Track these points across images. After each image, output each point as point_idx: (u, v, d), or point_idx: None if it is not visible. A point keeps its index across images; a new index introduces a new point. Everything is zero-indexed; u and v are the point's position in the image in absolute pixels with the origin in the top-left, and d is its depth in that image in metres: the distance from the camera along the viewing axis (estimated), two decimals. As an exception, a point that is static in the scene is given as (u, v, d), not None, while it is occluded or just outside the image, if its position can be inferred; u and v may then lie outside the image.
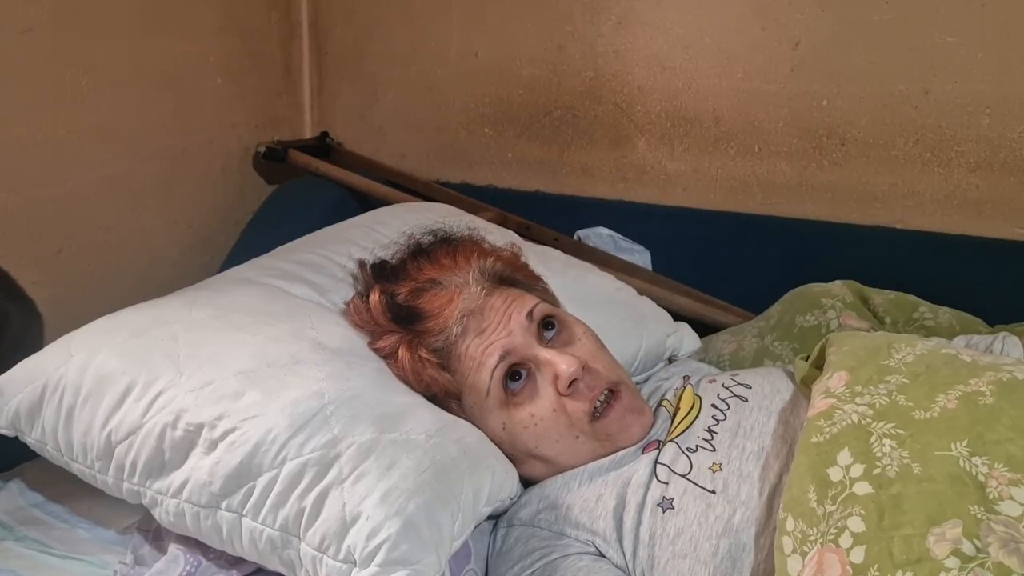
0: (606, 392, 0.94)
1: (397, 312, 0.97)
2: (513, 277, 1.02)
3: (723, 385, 0.97)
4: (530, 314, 0.95)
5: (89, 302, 1.22)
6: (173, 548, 0.93)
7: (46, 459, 0.98)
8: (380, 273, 1.06)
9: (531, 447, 0.94)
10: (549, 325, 0.97)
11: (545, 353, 0.93)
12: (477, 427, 0.93)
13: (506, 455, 0.94)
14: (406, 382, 0.95)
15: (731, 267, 1.51)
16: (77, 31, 1.39)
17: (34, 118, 1.35)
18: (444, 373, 0.94)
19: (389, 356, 0.96)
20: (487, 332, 0.93)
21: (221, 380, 0.87)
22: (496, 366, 0.92)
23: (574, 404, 0.92)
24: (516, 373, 0.93)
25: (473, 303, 0.94)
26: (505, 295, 0.97)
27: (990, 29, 1.31)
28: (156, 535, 0.98)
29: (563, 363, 0.91)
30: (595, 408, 0.93)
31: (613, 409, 0.93)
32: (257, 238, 1.61)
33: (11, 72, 1.31)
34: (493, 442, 0.93)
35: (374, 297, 0.99)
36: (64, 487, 1.09)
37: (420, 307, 0.96)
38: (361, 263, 1.10)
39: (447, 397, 0.94)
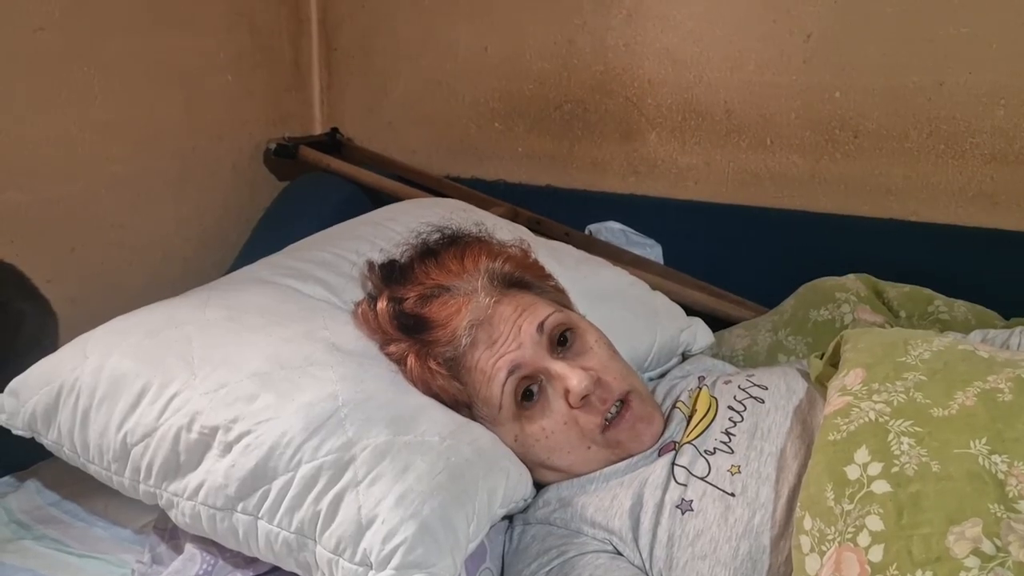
0: (617, 403, 0.93)
1: (404, 320, 0.96)
2: (523, 278, 1.00)
3: (739, 386, 0.96)
4: (541, 326, 0.93)
5: (102, 299, 1.23)
6: (190, 547, 0.93)
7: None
8: (389, 275, 1.05)
9: (543, 458, 0.93)
10: (562, 338, 0.95)
11: (556, 366, 0.92)
12: None
13: None
14: (417, 387, 0.94)
15: (743, 261, 1.50)
16: (88, 29, 1.40)
17: (46, 116, 1.36)
18: (454, 383, 0.93)
19: (399, 362, 0.96)
20: (497, 344, 0.92)
21: (235, 382, 0.88)
22: (506, 380, 0.91)
23: (585, 417, 0.92)
24: (528, 391, 0.92)
25: (482, 313, 0.93)
26: (516, 303, 0.95)
27: (1004, 19, 1.30)
28: (173, 534, 0.98)
29: (575, 378, 0.90)
30: (606, 420, 0.92)
31: (623, 419, 0.92)
32: (269, 235, 1.61)
33: (23, 70, 1.31)
34: None
35: (381, 305, 0.98)
36: (80, 486, 1.09)
37: (427, 316, 0.95)
38: (370, 264, 1.09)
39: (457, 405, 0.93)
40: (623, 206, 1.61)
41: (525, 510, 0.95)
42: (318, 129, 1.89)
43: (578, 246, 1.36)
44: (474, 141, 1.76)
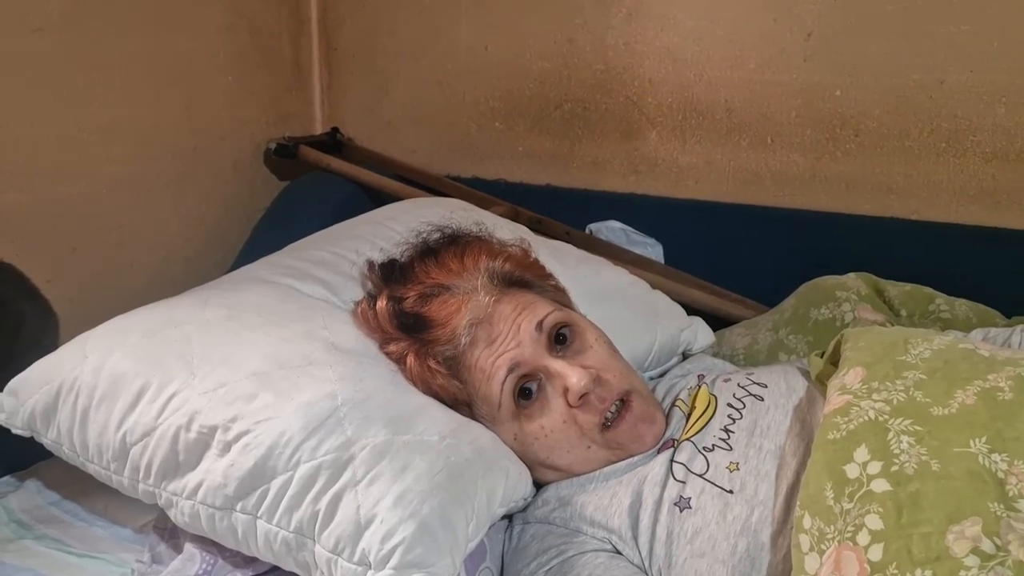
0: (617, 403, 0.93)
1: (404, 319, 0.96)
2: (523, 278, 1.00)
3: (739, 384, 0.96)
4: (540, 324, 0.93)
5: (103, 300, 1.23)
6: (189, 546, 0.93)
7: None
8: (388, 274, 1.05)
9: (542, 457, 0.93)
10: (561, 336, 0.95)
11: (555, 364, 0.92)
12: None
13: None
14: (417, 386, 0.94)
15: (744, 260, 1.50)
16: (87, 30, 1.39)
17: (46, 117, 1.36)
18: (454, 382, 0.93)
19: (399, 361, 0.96)
20: (496, 342, 0.92)
21: (234, 382, 0.88)
22: (506, 379, 0.91)
23: (584, 416, 0.92)
24: (527, 389, 0.92)
25: (482, 312, 0.93)
26: (515, 301, 0.95)
27: (1005, 17, 1.29)
28: (172, 533, 0.98)
29: (574, 376, 0.90)
30: (606, 419, 0.92)
31: (624, 420, 0.92)
32: (269, 234, 1.61)
33: (22, 71, 1.31)
34: None
35: (381, 304, 0.98)
36: (80, 485, 1.10)
37: (427, 315, 0.95)
38: (370, 264, 1.09)
39: (457, 404, 0.93)
40: (623, 205, 1.61)
41: (524, 509, 0.95)
42: (318, 129, 1.89)
43: (579, 245, 1.35)
44: (474, 140, 1.76)
